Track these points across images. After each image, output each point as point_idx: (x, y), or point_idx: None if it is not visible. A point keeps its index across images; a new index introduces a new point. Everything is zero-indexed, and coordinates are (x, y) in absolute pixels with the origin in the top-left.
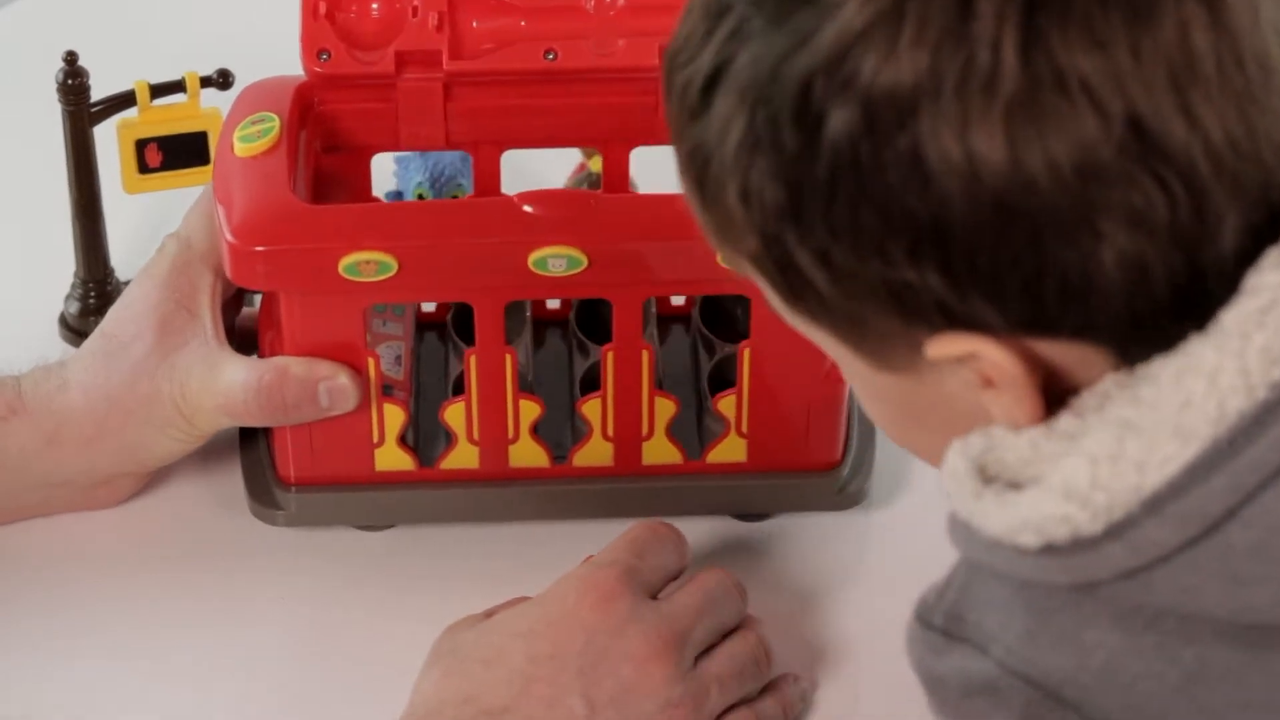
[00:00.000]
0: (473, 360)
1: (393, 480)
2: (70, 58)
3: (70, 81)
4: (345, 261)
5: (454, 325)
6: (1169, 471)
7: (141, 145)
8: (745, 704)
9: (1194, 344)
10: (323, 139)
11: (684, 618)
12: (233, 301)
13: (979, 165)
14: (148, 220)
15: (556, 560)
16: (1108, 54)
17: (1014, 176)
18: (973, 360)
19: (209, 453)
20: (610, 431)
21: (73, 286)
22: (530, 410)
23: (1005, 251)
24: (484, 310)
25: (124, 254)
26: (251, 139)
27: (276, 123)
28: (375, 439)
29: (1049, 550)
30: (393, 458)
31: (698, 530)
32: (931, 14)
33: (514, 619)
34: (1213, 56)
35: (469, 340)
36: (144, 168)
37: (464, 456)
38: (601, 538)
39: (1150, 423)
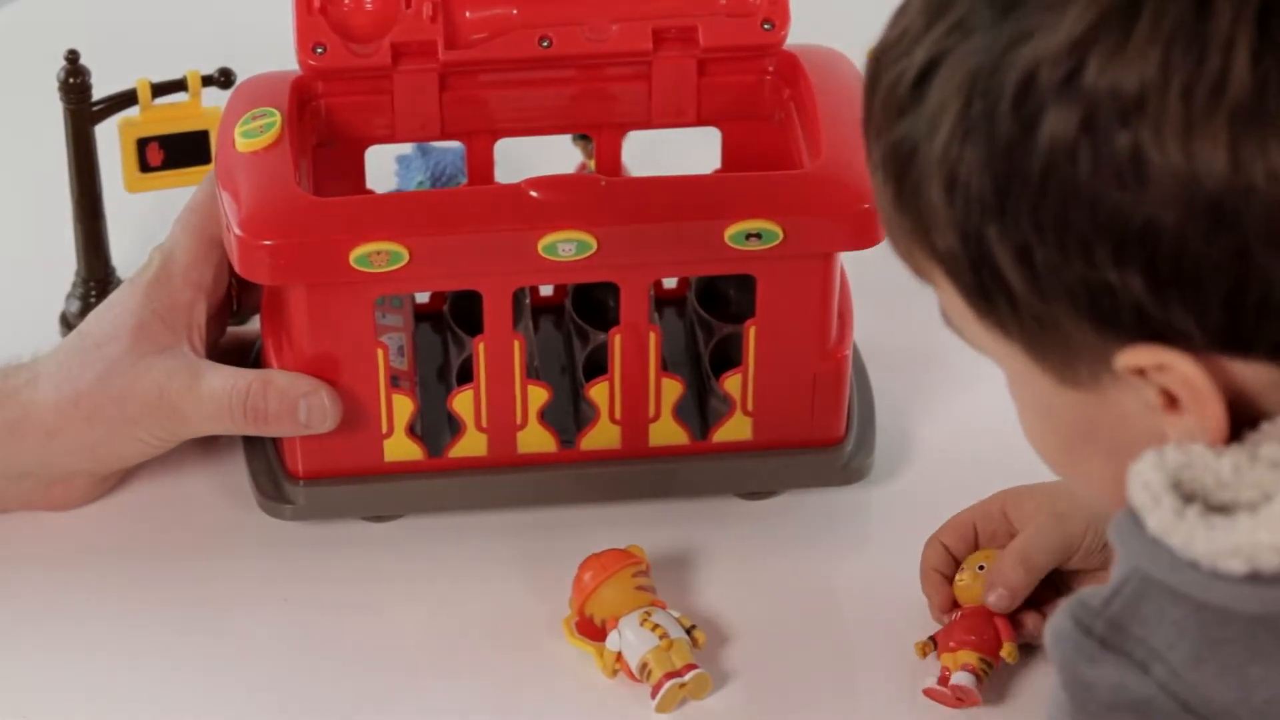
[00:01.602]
0: (481, 347)
1: (402, 470)
2: (72, 57)
3: (72, 80)
4: (356, 253)
5: (453, 314)
6: None
7: (143, 144)
8: None
9: None
10: (319, 132)
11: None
12: (215, 321)
13: (1198, 170)
14: (149, 219)
15: (567, 545)
16: None
17: (1233, 184)
18: (1161, 374)
19: (215, 448)
20: (618, 414)
21: (74, 285)
22: (538, 396)
23: (1212, 259)
24: (493, 297)
25: (125, 253)
26: (254, 134)
27: (278, 117)
28: (384, 430)
29: (1253, 578)
30: (402, 448)
31: (703, 509)
32: (1166, 11)
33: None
34: None
35: (469, 329)
36: (145, 166)
37: (472, 444)
38: (610, 521)
39: None
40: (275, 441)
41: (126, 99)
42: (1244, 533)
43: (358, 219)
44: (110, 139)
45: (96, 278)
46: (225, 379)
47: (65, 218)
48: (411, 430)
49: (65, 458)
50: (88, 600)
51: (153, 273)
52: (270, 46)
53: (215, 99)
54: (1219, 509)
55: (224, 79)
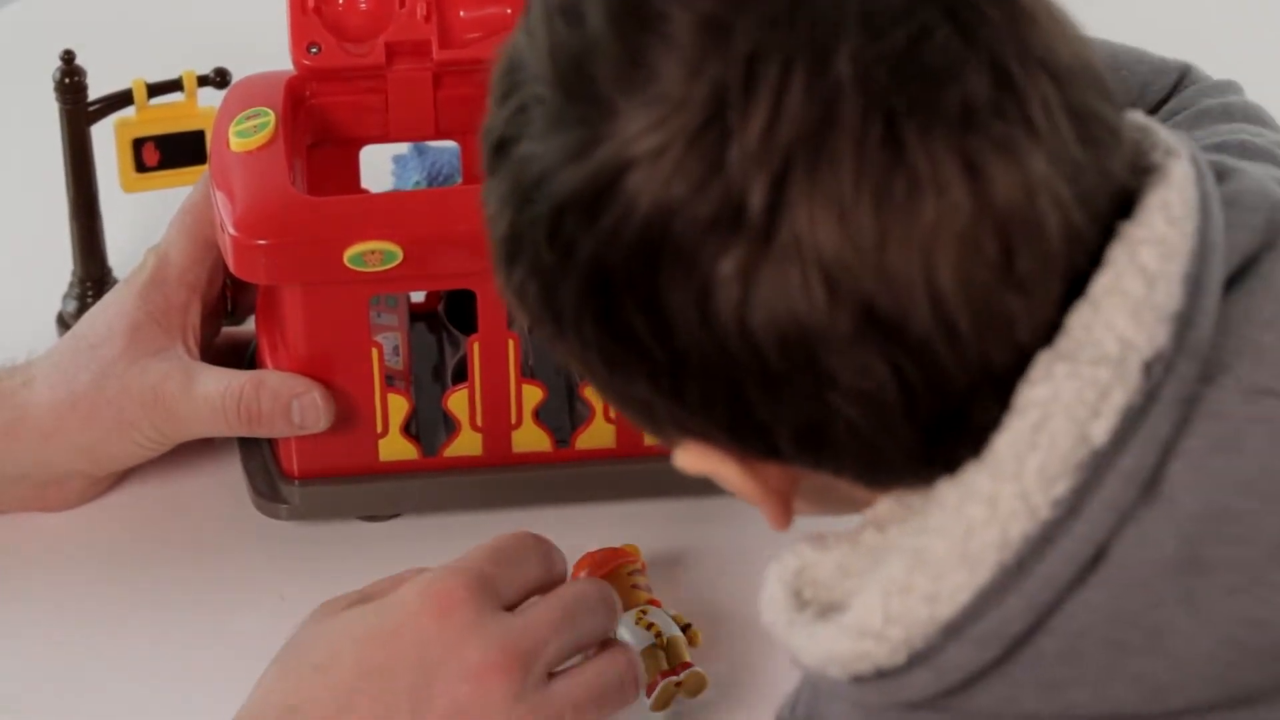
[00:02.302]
0: (476, 347)
1: (397, 470)
2: (68, 57)
3: (68, 80)
4: (350, 252)
5: (448, 313)
6: (961, 600)
7: (139, 144)
8: None
9: (970, 472)
10: (313, 132)
11: (534, 631)
12: (209, 322)
13: (712, 311)
14: (145, 219)
15: (562, 544)
16: (849, 234)
17: (741, 330)
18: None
19: (211, 448)
20: (613, 413)
21: (70, 285)
22: (533, 395)
23: (737, 394)
24: (488, 296)
25: (122, 253)
26: (248, 134)
27: (272, 117)
28: (379, 429)
29: (857, 679)
30: (397, 447)
31: (700, 508)
32: (695, 149)
33: (355, 620)
34: (964, 235)
35: (464, 328)
36: (141, 167)
37: (467, 444)
38: (606, 520)
39: (939, 550)
40: (270, 441)
41: (122, 99)
42: (829, 641)
43: (352, 218)
44: (106, 139)
45: (93, 278)
46: (219, 381)
47: (61, 218)
48: (406, 430)
49: (61, 459)
50: (83, 600)
51: (148, 274)
52: (264, 46)
53: (211, 99)
54: (831, 608)
55: (220, 79)
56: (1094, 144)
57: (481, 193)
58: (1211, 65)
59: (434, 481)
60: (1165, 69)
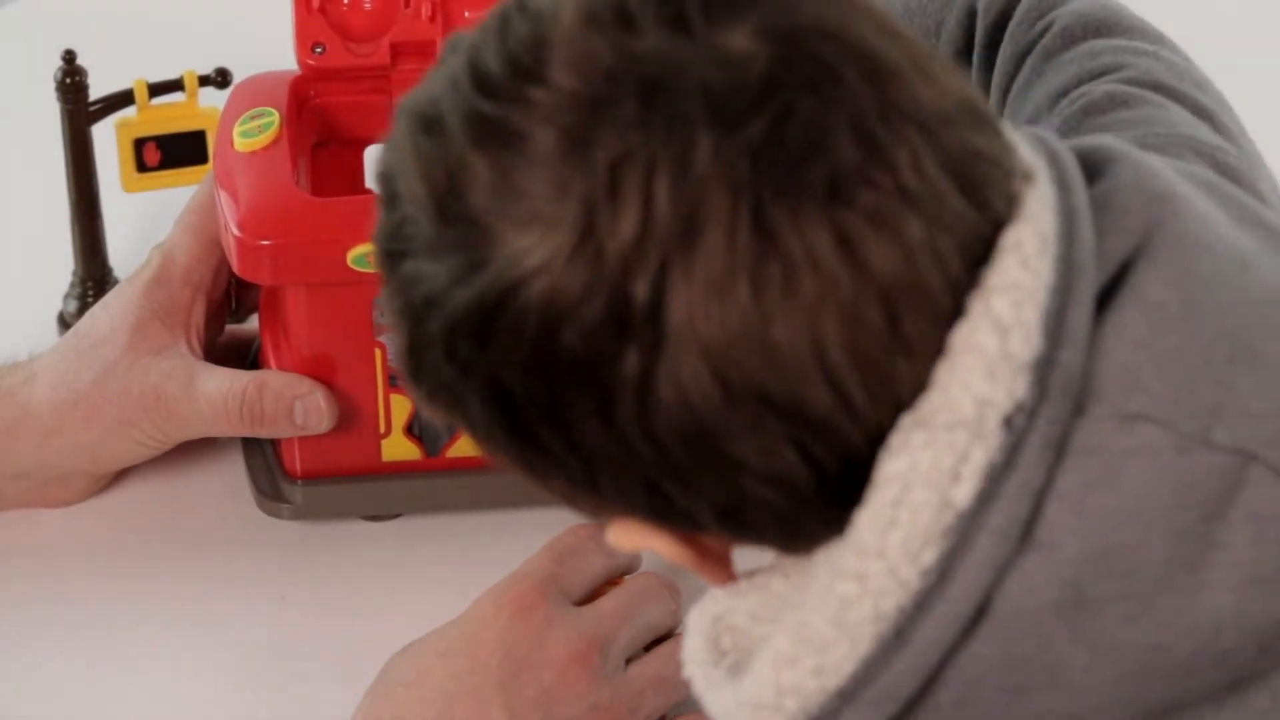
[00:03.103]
0: None
1: (400, 470)
2: (69, 57)
3: (69, 80)
4: (354, 253)
5: None
6: (846, 670)
7: (140, 144)
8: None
9: (837, 548)
10: (318, 132)
11: (606, 621)
12: (213, 320)
13: (614, 418)
14: (146, 219)
15: None
16: (733, 325)
17: (645, 433)
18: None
19: (213, 447)
20: None
21: (71, 285)
22: None
23: (653, 488)
24: None
25: (123, 253)
26: (252, 134)
27: (276, 117)
28: (382, 429)
29: None
30: (400, 448)
31: None
32: (573, 265)
33: (436, 639)
34: (846, 317)
35: None
36: (142, 167)
37: (470, 444)
38: None
39: (817, 625)
40: (273, 441)
41: (123, 99)
42: (734, 695)
43: (356, 219)
44: (107, 139)
45: (94, 278)
46: (221, 381)
47: (63, 218)
48: (409, 430)
49: (63, 458)
50: (85, 599)
51: (152, 272)
52: (268, 46)
53: (212, 99)
54: (750, 654)
55: (221, 79)
56: (976, 187)
57: (381, 299)
58: (1213, 66)
59: (436, 482)
60: (952, 1)
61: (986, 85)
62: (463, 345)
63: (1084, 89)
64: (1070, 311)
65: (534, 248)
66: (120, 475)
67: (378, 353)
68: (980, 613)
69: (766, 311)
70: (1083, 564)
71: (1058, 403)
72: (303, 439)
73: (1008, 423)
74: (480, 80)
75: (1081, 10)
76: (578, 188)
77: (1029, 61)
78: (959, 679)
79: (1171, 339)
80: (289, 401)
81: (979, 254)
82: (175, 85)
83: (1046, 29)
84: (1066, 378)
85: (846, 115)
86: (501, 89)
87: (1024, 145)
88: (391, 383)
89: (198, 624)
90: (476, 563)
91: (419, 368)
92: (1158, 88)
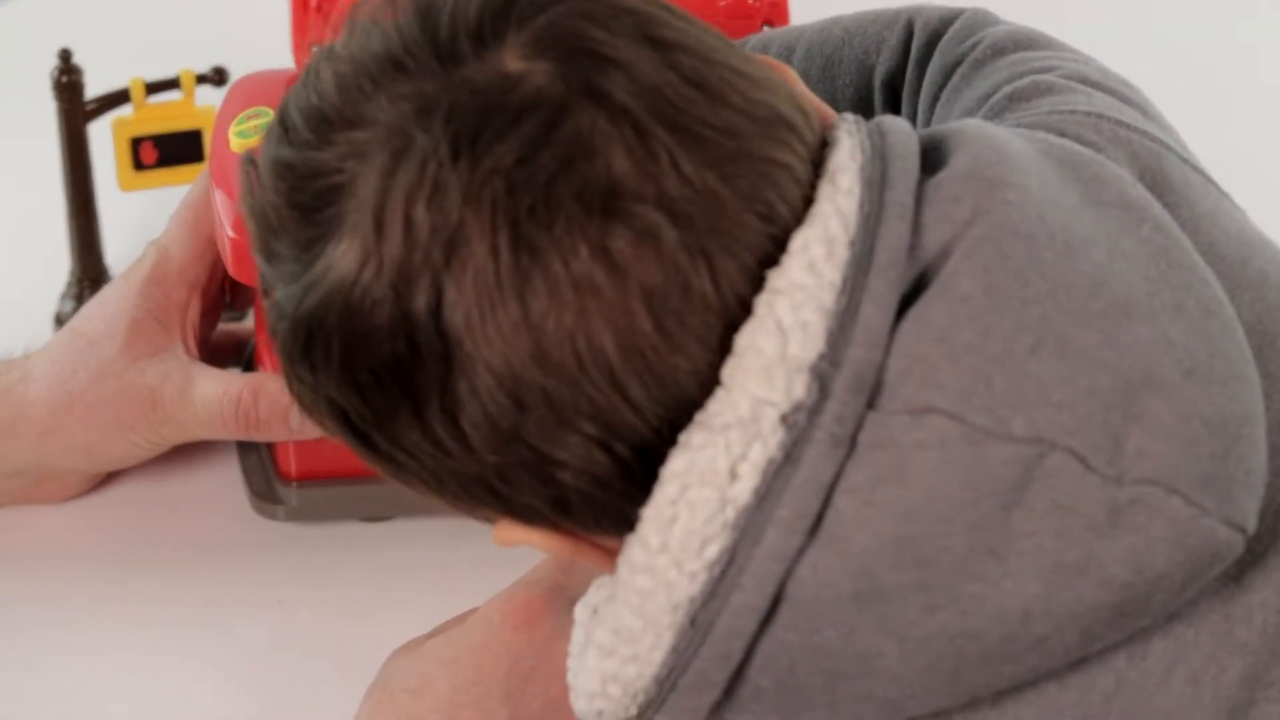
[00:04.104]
0: None
1: None
2: (65, 56)
3: (65, 79)
4: None
5: None
6: (657, 659)
7: (136, 143)
8: None
9: (629, 543)
10: None
11: None
12: (207, 316)
13: (430, 433)
14: (143, 218)
15: None
16: (508, 338)
17: (461, 444)
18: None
19: (208, 448)
20: None
21: (68, 285)
22: None
23: (492, 490)
24: None
25: (119, 252)
26: (248, 134)
27: (273, 117)
28: None
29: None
30: None
31: None
32: (357, 297)
33: (441, 646)
34: (619, 321)
35: None
36: (139, 165)
37: None
38: None
39: (625, 617)
40: (268, 442)
41: (120, 98)
42: (574, 699)
43: None
44: (104, 138)
45: (91, 277)
46: (217, 385)
47: (59, 217)
48: None
49: (58, 457)
50: (80, 600)
51: (148, 270)
52: (264, 45)
53: (209, 98)
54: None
55: (217, 78)
56: (755, 192)
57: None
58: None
59: None
60: (895, 21)
61: (918, 96)
62: (299, 371)
63: (1013, 85)
64: (863, 309)
65: (328, 270)
66: (115, 476)
67: None
68: (777, 602)
69: (535, 323)
70: (875, 555)
71: (844, 400)
72: (298, 441)
73: (785, 421)
74: (286, 129)
75: (1010, 30)
76: (359, 223)
77: (959, 71)
78: (772, 665)
79: (970, 332)
80: (284, 406)
81: (769, 257)
82: (172, 84)
83: (976, 44)
84: (855, 375)
85: (613, 124)
86: (302, 141)
87: (844, 144)
88: None
89: (193, 625)
90: (471, 565)
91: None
92: (1085, 80)
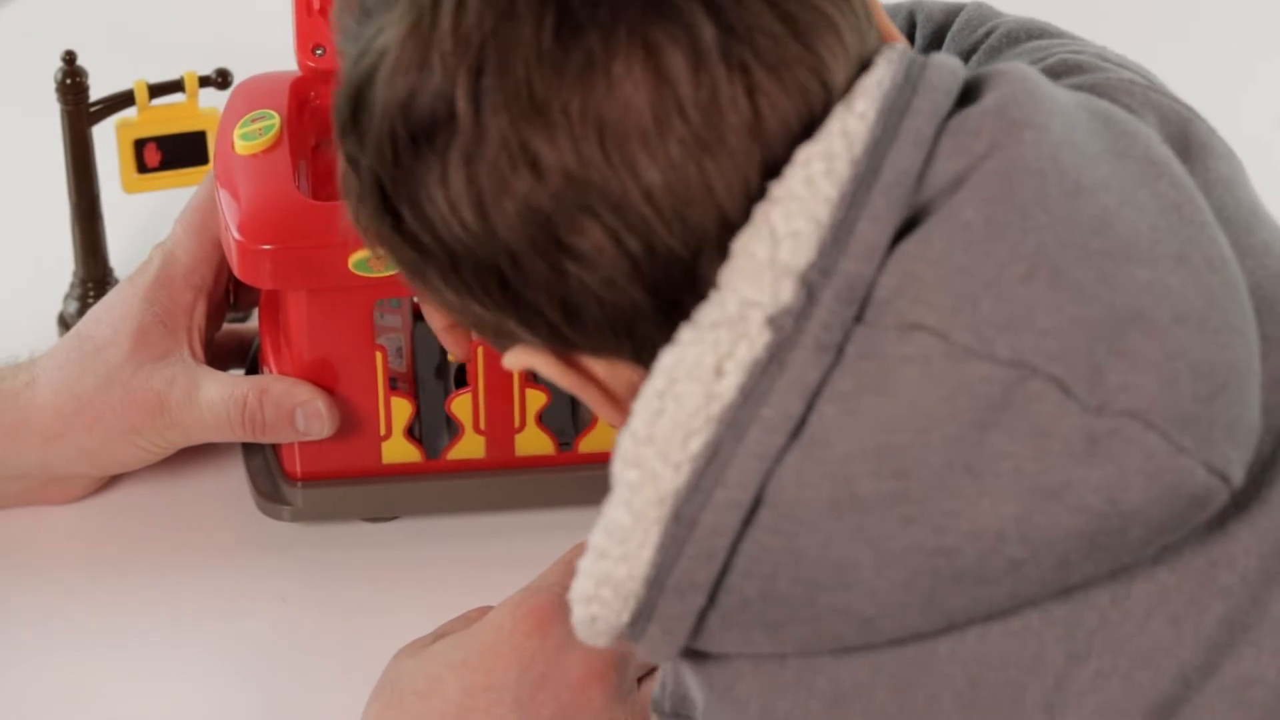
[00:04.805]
0: (480, 350)
1: (400, 472)
2: (69, 57)
3: (69, 81)
4: (355, 257)
5: None
6: (646, 557)
7: (140, 145)
8: None
9: (620, 437)
10: (319, 135)
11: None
12: (212, 318)
13: (454, 201)
14: (147, 220)
15: (565, 548)
16: (542, 116)
17: (481, 218)
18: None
19: (214, 449)
20: None
21: (72, 286)
22: (537, 399)
23: (503, 281)
24: None
25: (123, 254)
26: (253, 137)
27: (277, 120)
28: (383, 432)
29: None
30: (400, 450)
31: None
32: (400, 64)
33: (450, 649)
34: (649, 109)
35: None
36: (143, 167)
37: (470, 447)
38: None
39: (618, 515)
40: (274, 443)
41: (123, 100)
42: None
43: None
44: (108, 140)
45: (94, 279)
46: (223, 388)
47: (63, 219)
48: (410, 432)
49: (64, 461)
50: (85, 600)
51: (153, 274)
52: (268, 47)
53: (213, 100)
54: None
55: (221, 80)
56: (809, 41)
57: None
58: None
59: (436, 484)
60: (895, 12)
61: None
62: (349, 141)
63: (1043, 64)
64: (860, 225)
65: (381, 40)
66: (121, 477)
67: (378, 356)
68: (758, 504)
69: (565, 100)
70: (855, 462)
71: (832, 309)
72: (303, 441)
73: (772, 324)
74: None
75: (1022, 19)
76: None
77: (974, 58)
78: (754, 571)
79: (965, 256)
80: (290, 409)
81: (812, 102)
82: (176, 86)
83: (989, 32)
84: (845, 286)
85: None
86: None
87: (877, 70)
88: (392, 385)
89: (198, 625)
90: (476, 565)
91: (347, 189)
92: (1106, 59)
